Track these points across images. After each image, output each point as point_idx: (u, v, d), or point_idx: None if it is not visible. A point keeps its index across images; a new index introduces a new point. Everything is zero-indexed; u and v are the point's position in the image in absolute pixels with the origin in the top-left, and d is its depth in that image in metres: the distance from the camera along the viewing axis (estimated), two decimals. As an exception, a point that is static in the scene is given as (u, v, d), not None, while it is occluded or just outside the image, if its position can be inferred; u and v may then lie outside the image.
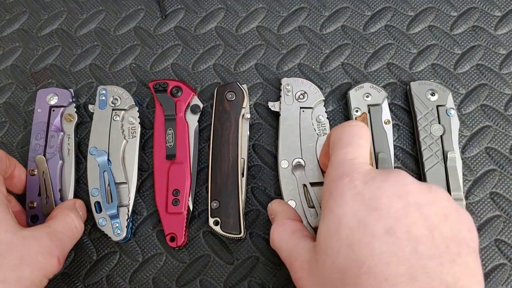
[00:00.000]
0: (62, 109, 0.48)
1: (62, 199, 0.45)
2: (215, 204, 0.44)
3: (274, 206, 0.42)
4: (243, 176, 0.45)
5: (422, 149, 0.45)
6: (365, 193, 0.31)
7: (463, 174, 0.45)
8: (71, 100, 0.49)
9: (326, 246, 0.31)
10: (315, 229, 0.42)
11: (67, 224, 0.41)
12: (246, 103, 0.47)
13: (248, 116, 0.47)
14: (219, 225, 0.43)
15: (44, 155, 0.46)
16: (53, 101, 0.48)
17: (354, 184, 0.32)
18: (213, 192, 0.44)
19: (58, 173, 0.46)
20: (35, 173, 0.46)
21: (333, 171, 0.34)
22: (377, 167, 0.44)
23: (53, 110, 0.48)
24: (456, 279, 0.28)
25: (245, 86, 0.48)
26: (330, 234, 0.31)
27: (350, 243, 0.30)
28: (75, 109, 0.49)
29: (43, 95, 0.49)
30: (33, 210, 0.45)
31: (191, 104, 0.48)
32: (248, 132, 0.48)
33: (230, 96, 0.47)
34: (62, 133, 0.47)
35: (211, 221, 0.43)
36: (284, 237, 0.38)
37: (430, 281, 0.28)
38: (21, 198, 0.47)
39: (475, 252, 0.31)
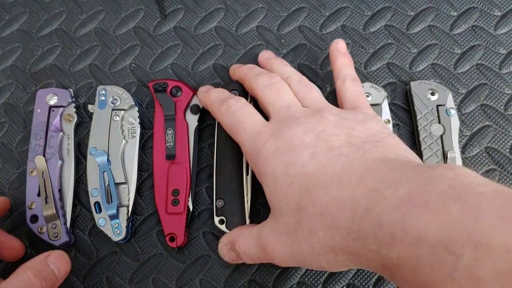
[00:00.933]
0: (61, 109, 0.48)
1: (61, 199, 0.45)
2: (220, 203, 0.44)
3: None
4: (248, 174, 0.45)
5: (422, 148, 0.45)
6: (281, 144, 0.35)
7: (463, 174, 0.45)
8: (70, 100, 0.49)
9: (278, 201, 0.35)
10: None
11: (21, 284, 0.36)
12: (249, 102, 0.47)
13: None
14: (224, 224, 0.43)
15: (44, 155, 0.46)
16: (53, 101, 0.48)
17: (268, 144, 0.36)
18: (218, 191, 0.44)
19: (58, 173, 0.46)
20: (35, 173, 0.46)
21: (247, 146, 0.38)
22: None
23: (53, 110, 0.48)
24: (385, 154, 0.33)
25: None
26: (274, 190, 0.35)
27: (290, 182, 0.34)
28: (75, 109, 0.49)
29: (43, 95, 0.49)
30: (32, 211, 0.45)
31: (191, 104, 0.48)
32: None
33: (234, 94, 0.47)
34: (61, 133, 0.47)
35: (216, 219, 0.43)
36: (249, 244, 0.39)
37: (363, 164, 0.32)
38: (21, 198, 0.47)
39: (390, 136, 0.36)
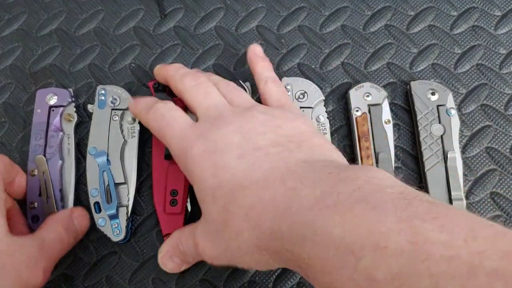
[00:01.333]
0: (61, 109, 0.48)
1: (62, 199, 0.45)
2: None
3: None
4: None
5: (422, 148, 0.45)
6: (208, 147, 0.35)
7: (464, 174, 0.45)
8: (70, 100, 0.49)
9: (207, 202, 0.35)
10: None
11: (56, 235, 0.40)
12: None
13: None
14: None
15: (44, 155, 0.46)
16: (53, 101, 0.48)
17: (195, 148, 0.35)
18: None
19: (58, 173, 0.46)
20: (35, 173, 0.46)
21: (175, 149, 0.38)
22: (377, 167, 0.44)
23: (53, 110, 0.48)
24: (309, 154, 0.33)
25: (248, 83, 0.48)
26: (203, 192, 0.35)
27: (218, 183, 0.33)
28: (75, 109, 0.49)
29: (42, 95, 0.49)
30: (34, 211, 0.45)
31: (191, 104, 0.48)
32: None
33: None
34: (61, 133, 0.47)
35: None
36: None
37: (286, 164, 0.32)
38: (22, 199, 0.47)
39: (318, 134, 0.37)
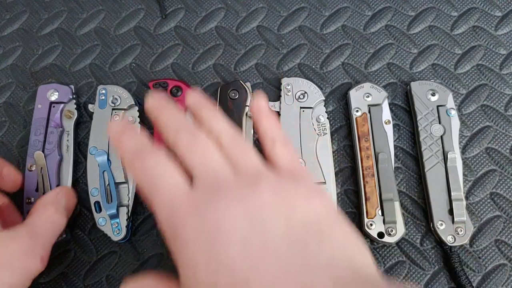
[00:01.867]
0: (62, 105, 0.48)
1: (60, 195, 0.46)
2: None
3: None
4: None
5: (422, 149, 0.45)
6: (205, 225, 0.27)
7: (463, 175, 0.45)
8: (71, 97, 0.49)
9: None
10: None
11: (46, 219, 0.40)
12: (249, 101, 0.47)
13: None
14: None
15: (43, 151, 0.46)
16: (54, 97, 0.48)
17: (188, 221, 0.28)
18: None
19: (56, 169, 0.46)
20: (33, 168, 0.46)
21: (160, 216, 0.30)
22: (377, 168, 0.44)
23: (53, 106, 0.48)
24: (330, 257, 0.27)
25: (248, 84, 0.48)
26: (192, 284, 0.27)
27: (213, 281, 0.26)
28: (75, 106, 0.49)
29: (44, 91, 0.49)
30: (30, 206, 0.45)
31: (191, 103, 0.48)
32: (252, 131, 0.48)
33: (233, 94, 0.47)
34: (61, 129, 0.47)
35: None
36: None
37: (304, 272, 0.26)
38: (19, 193, 0.47)
39: (338, 222, 0.29)
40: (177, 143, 0.32)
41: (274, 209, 0.28)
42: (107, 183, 0.45)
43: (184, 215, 0.28)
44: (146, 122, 0.49)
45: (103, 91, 0.48)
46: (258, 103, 0.36)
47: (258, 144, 0.48)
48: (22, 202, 0.46)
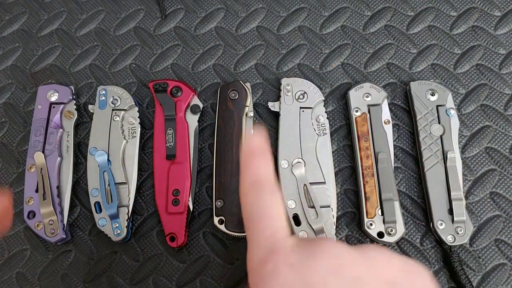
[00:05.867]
0: (62, 106, 0.49)
1: (59, 195, 0.45)
2: (219, 203, 0.44)
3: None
4: None
5: (422, 149, 0.45)
6: (293, 280, 0.26)
7: (463, 174, 0.45)
8: (71, 97, 0.49)
9: None
10: (315, 231, 0.42)
11: None
12: (249, 102, 0.47)
13: (252, 114, 0.47)
14: (223, 224, 0.43)
15: (43, 152, 0.46)
16: (54, 98, 0.49)
17: (279, 271, 0.26)
18: (218, 191, 0.44)
19: (56, 170, 0.46)
20: (33, 169, 0.46)
21: (253, 255, 0.28)
22: (377, 167, 0.44)
23: (53, 107, 0.48)
24: None
25: (248, 84, 0.48)
26: None
27: None
28: (75, 106, 0.49)
29: (44, 92, 0.49)
30: (30, 206, 0.45)
31: (191, 104, 0.48)
32: (252, 131, 0.48)
33: (233, 95, 0.47)
34: (61, 130, 0.47)
35: (216, 219, 0.43)
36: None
37: None
38: (21, 198, 0.47)
39: None
40: None
41: (373, 283, 0.26)
42: (107, 183, 0.45)
43: (277, 271, 0.27)
44: (146, 122, 0.50)
45: (103, 92, 0.48)
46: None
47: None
48: (22, 202, 0.46)
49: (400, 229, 0.43)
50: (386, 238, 0.42)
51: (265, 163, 0.30)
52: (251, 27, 0.53)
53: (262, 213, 0.29)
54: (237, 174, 0.44)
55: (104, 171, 0.45)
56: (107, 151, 0.46)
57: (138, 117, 0.48)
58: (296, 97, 0.47)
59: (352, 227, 0.45)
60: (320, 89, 0.48)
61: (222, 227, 0.43)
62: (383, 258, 0.27)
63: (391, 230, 0.42)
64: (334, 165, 0.46)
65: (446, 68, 0.50)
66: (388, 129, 0.46)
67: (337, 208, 0.45)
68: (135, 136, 0.47)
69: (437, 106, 0.47)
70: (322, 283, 0.25)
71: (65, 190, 0.46)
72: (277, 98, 0.49)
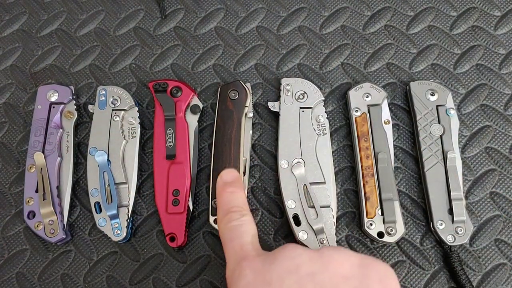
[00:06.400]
0: (62, 106, 0.49)
1: (59, 195, 0.45)
2: (216, 203, 0.44)
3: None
4: (244, 175, 0.45)
5: (422, 149, 0.45)
6: (258, 277, 0.30)
7: (463, 174, 0.46)
8: (71, 97, 0.49)
9: None
10: (315, 231, 0.42)
11: None
12: (249, 102, 0.47)
13: (251, 115, 0.47)
14: None
15: (43, 152, 0.46)
16: (54, 98, 0.49)
17: (244, 275, 0.31)
18: (214, 191, 0.44)
19: (56, 170, 0.46)
20: (33, 169, 0.46)
21: (228, 268, 0.34)
22: (376, 167, 0.44)
23: (53, 107, 0.48)
24: None
25: (248, 84, 0.48)
26: None
27: None
28: (75, 106, 0.49)
29: (44, 92, 0.49)
30: (30, 207, 0.45)
31: (191, 104, 0.48)
32: (251, 131, 0.48)
33: (233, 95, 0.47)
34: (61, 130, 0.47)
35: (211, 219, 0.43)
36: None
37: None
38: (21, 198, 0.47)
39: None
40: None
41: (325, 279, 0.29)
42: (107, 183, 0.45)
43: (243, 275, 0.31)
44: (146, 122, 0.50)
45: (103, 92, 0.48)
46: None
47: (256, 147, 0.48)
48: (22, 202, 0.46)
49: (400, 229, 0.43)
50: (386, 238, 0.42)
51: (236, 193, 0.38)
52: (251, 27, 0.53)
53: (233, 235, 0.35)
54: None
55: (104, 171, 0.45)
56: (107, 151, 0.46)
57: (138, 117, 0.48)
58: (296, 97, 0.47)
59: (352, 227, 0.45)
60: (320, 89, 0.48)
61: (217, 226, 0.43)
62: (339, 257, 0.30)
63: (391, 230, 0.42)
64: (334, 165, 0.46)
65: (446, 68, 0.50)
66: (388, 129, 0.46)
67: (337, 208, 0.45)
68: (135, 136, 0.47)
69: (437, 106, 0.47)
70: (279, 280, 0.29)
71: (65, 190, 0.46)
72: (277, 98, 0.49)
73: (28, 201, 0.45)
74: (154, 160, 0.46)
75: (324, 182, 0.44)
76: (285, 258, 0.31)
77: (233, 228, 0.35)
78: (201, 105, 0.48)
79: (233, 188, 0.38)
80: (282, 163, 0.45)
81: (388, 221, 0.43)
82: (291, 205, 0.43)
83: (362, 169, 0.45)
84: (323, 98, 0.48)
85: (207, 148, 0.48)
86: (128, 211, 0.45)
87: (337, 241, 0.44)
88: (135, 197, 0.46)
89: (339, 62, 0.51)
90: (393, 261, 0.44)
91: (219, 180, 0.39)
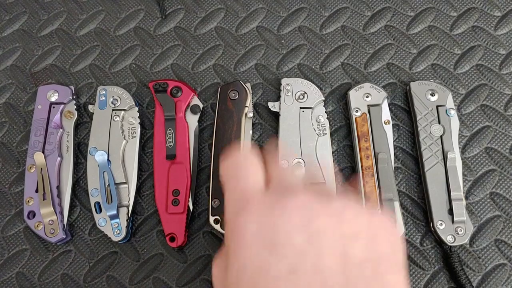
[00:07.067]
0: (62, 106, 0.49)
1: (59, 195, 0.45)
2: (215, 203, 0.44)
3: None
4: None
5: (422, 149, 0.45)
6: (264, 229, 0.27)
7: (463, 174, 0.45)
8: (71, 97, 0.49)
9: (228, 284, 0.28)
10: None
11: None
12: (249, 102, 0.47)
13: (251, 115, 0.47)
14: (219, 224, 0.43)
15: (43, 152, 0.46)
16: (54, 98, 0.49)
17: (251, 220, 0.28)
18: (214, 191, 0.44)
19: (56, 170, 0.46)
20: (33, 169, 0.46)
21: (229, 209, 0.31)
22: (377, 167, 0.44)
23: (53, 107, 0.48)
24: None
25: (248, 84, 0.48)
26: (236, 280, 0.27)
27: (252, 284, 0.26)
28: (75, 106, 0.49)
29: (44, 92, 0.49)
30: (30, 206, 0.45)
31: (191, 104, 0.48)
32: (251, 131, 0.48)
33: (233, 95, 0.47)
34: (61, 130, 0.47)
35: (211, 219, 0.43)
36: None
37: None
38: (21, 198, 0.47)
39: (397, 266, 0.28)
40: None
41: (334, 236, 0.27)
42: (107, 183, 0.45)
43: (250, 220, 0.28)
44: (146, 122, 0.50)
45: (103, 92, 0.48)
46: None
47: (256, 145, 0.48)
48: (22, 202, 0.46)
49: (400, 229, 0.43)
50: (386, 238, 0.42)
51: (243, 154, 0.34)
52: (251, 27, 0.53)
53: (237, 173, 0.32)
54: None
55: (104, 171, 0.45)
56: (107, 151, 0.46)
57: (138, 117, 0.48)
58: (296, 97, 0.47)
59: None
60: (320, 89, 0.48)
61: (217, 226, 0.43)
62: (349, 213, 0.28)
63: (391, 230, 0.42)
64: (334, 165, 0.46)
65: (446, 68, 0.50)
66: (388, 129, 0.46)
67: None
68: (135, 136, 0.47)
69: (437, 106, 0.47)
70: (287, 235, 0.27)
71: (65, 190, 0.46)
72: (277, 98, 0.49)
73: (28, 201, 0.45)
74: (154, 160, 0.46)
75: (324, 182, 0.44)
76: (295, 210, 0.28)
77: (239, 166, 0.32)
78: (201, 105, 0.48)
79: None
80: (282, 163, 0.45)
81: (388, 221, 0.43)
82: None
83: (362, 169, 0.45)
84: (323, 98, 0.48)
85: (207, 148, 0.48)
86: (128, 211, 0.45)
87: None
88: (135, 197, 0.46)
89: (339, 62, 0.51)
90: (393, 261, 0.43)
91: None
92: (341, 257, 0.26)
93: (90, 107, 0.48)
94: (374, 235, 0.28)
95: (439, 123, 0.46)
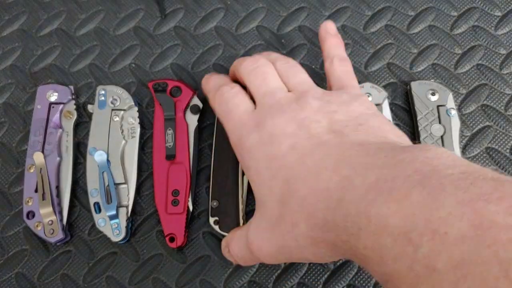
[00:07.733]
0: (61, 106, 0.48)
1: (59, 195, 0.45)
2: (215, 204, 0.44)
3: None
4: (244, 175, 0.45)
5: (422, 149, 0.45)
6: (262, 137, 0.35)
7: (464, 174, 0.45)
8: (70, 97, 0.49)
9: (262, 195, 0.35)
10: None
11: None
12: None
13: None
14: (218, 225, 0.43)
15: (42, 152, 0.46)
16: (53, 98, 0.49)
17: (252, 137, 0.35)
18: (214, 192, 0.44)
19: (56, 170, 0.46)
20: (33, 169, 0.46)
21: (232, 135, 0.38)
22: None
23: (53, 107, 0.48)
24: (364, 138, 0.32)
25: None
26: (258, 184, 0.35)
27: (273, 175, 0.33)
28: (75, 106, 0.49)
29: (43, 92, 0.49)
30: (29, 207, 0.45)
31: (191, 104, 0.48)
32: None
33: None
34: (60, 130, 0.47)
35: (211, 220, 0.43)
36: None
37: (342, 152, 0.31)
38: (20, 198, 0.47)
39: (373, 116, 0.35)
40: (241, 71, 0.40)
41: (318, 114, 0.34)
42: (106, 183, 0.45)
43: (248, 130, 0.36)
44: (145, 122, 0.49)
45: (103, 92, 0.48)
46: (325, 26, 0.43)
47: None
48: (21, 202, 0.46)
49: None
50: (387, 239, 0.42)
51: (217, 76, 0.45)
52: (251, 26, 0.53)
53: (228, 107, 0.38)
54: (234, 175, 0.44)
55: (104, 171, 0.45)
56: (106, 151, 0.46)
57: (138, 117, 0.48)
58: (296, 97, 0.47)
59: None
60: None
61: (217, 227, 0.43)
62: (333, 99, 0.36)
63: (392, 231, 0.42)
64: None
65: (446, 68, 0.50)
66: (389, 129, 0.46)
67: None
68: (134, 136, 0.47)
69: (438, 106, 0.47)
70: (281, 130, 0.34)
71: (65, 190, 0.46)
72: (277, 98, 0.48)
73: (28, 201, 0.45)
74: (153, 160, 0.46)
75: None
76: (282, 113, 0.35)
77: (226, 101, 0.39)
78: (201, 105, 0.48)
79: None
80: None
81: (388, 222, 0.43)
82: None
83: (362, 169, 0.45)
84: (323, 98, 0.48)
85: (207, 148, 0.48)
86: (128, 211, 0.45)
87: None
88: (135, 197, 0.46)
89: (339, 62, 0.51)
90: (394, 262, 0.43)
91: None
92: (327, 124, 0.33)
93: (89, 107, 0.48)
94: (349, 105, 0.35)
95: (439, 123, 0.46)
